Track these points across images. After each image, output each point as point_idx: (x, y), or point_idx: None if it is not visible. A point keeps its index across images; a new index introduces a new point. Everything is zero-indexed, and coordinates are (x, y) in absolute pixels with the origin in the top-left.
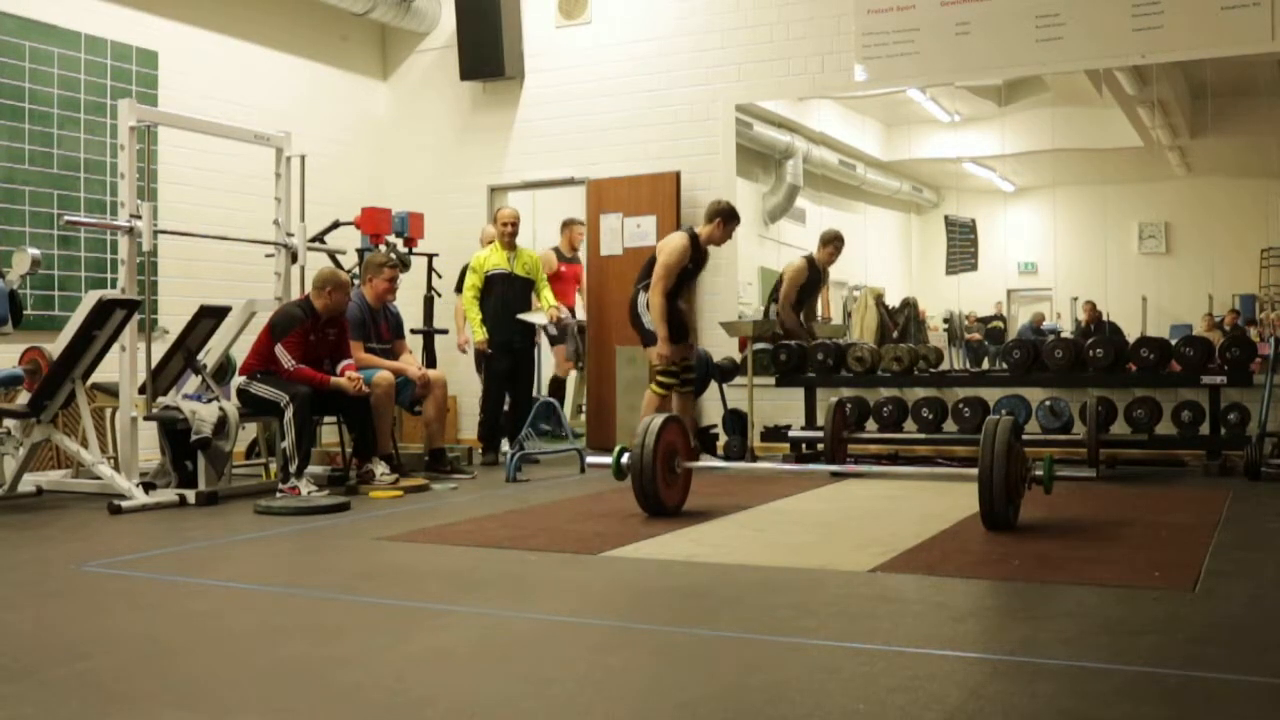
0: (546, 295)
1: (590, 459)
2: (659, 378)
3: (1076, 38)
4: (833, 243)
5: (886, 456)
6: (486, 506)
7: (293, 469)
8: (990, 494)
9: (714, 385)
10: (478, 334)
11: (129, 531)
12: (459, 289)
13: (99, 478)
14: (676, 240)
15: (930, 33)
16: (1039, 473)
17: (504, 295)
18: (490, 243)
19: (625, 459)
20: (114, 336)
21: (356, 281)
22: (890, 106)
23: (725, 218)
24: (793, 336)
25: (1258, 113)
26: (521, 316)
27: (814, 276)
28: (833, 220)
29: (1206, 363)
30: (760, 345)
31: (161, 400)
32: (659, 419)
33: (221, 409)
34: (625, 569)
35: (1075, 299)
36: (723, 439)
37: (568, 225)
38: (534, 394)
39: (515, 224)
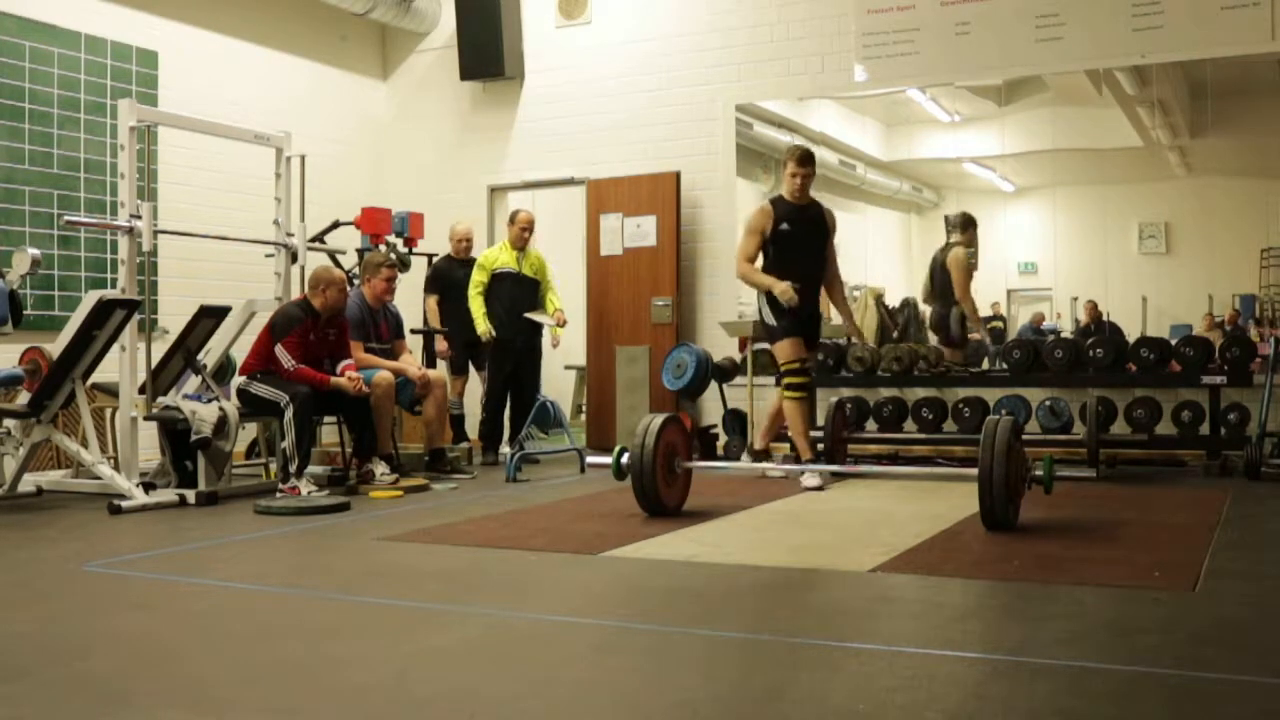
0: (553, 297)
1: (590, 459)
2: (785, 379)
3: (1076, 38)
4: (973, 225)
5: (886, 456)
6: (486, 506)
7: (293, 469)
8: (990, 494)
9: (714, 385)
10: (481, 325)
11: (129, 531)
12: (428, 289)
13: (99, 478)
14: (753, 210)
15: (930, 33)
16: (1039, 473)
17: (511, 294)
18: (460, 240)
19: (625, 459)
20: (114, 336)
21: (356, 281)
22: (890, 106)
23: (785, 163)
24: (972, 323)
25: (1258, 113)
26: (529, 315)
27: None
28: None
29: (1206, 363)
30: (760, 345)
31: (161, 400)
32: (659, 419)
33: (221, 409)
34: (625, 569)
35: (1075, 299)
36: (723, 439)
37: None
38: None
39: (531, 227)
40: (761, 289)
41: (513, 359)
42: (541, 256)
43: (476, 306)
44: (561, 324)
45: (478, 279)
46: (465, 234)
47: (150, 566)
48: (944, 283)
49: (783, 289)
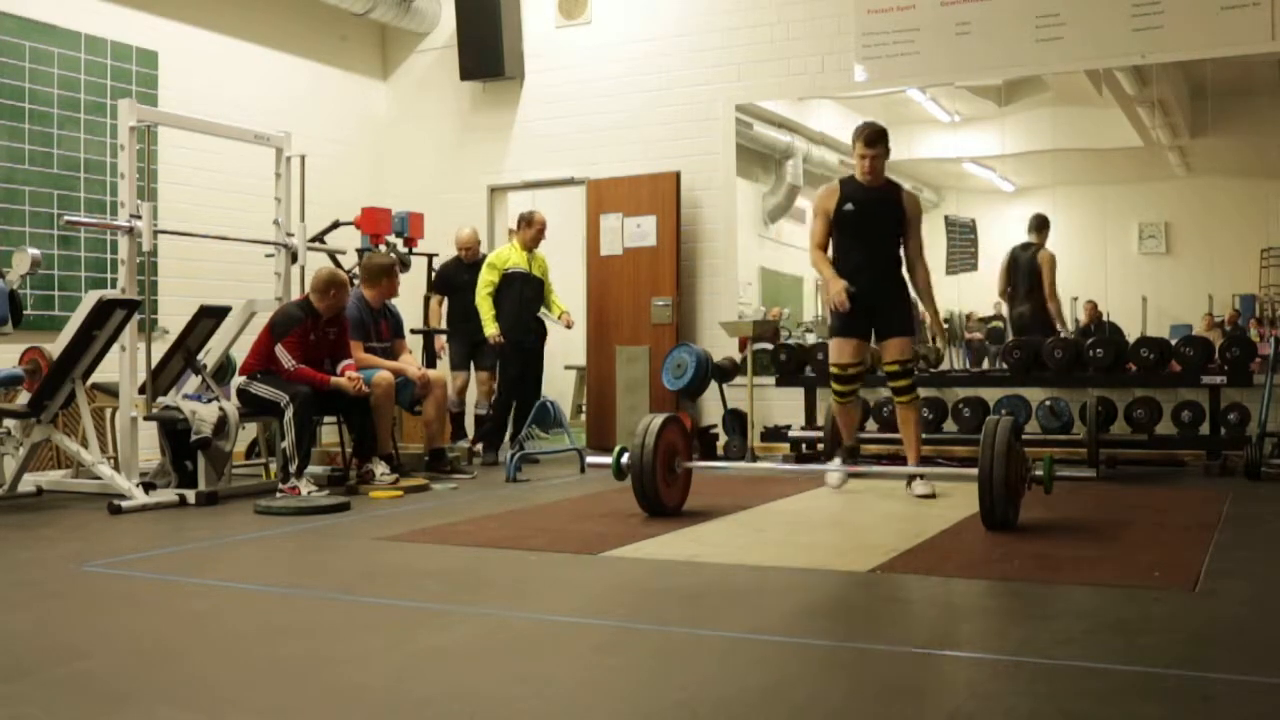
0: (555, 299)
1: (590, 459)
2: (830, 381)
3: (1076, 38)
4: (1048, 225)
5: (886, 457)
6: (486, 506)
7: (293, 469)
8: (990, 494)
9: (714, 385)
10: (491, 328)
11: (129, 531)
12: (434, 290)
13: (99, 478)
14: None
15: (930, 33)
16: (1039, 473)
17: (522, 294)
18: (467, 248)
19: (625, 459)
20: (114, 336)
21: (356, 281)
22: (890, 106)
23: (853, 143)
24: (1054, 327)
25: (1258, 113)
26: (542, 315)
27: None
28: None
29: (1206, 363)
30: (760, 345)
31: (161, 400)
32: (659, 419)
33: (221, 409)
34: (625, 569)
35: (1075, 299)
36: (723, 439)
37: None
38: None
39: (545, 228)
40: (822, 280)
41: (522, 359)
42: (545, 258)
43: (486, 308)
44: (569, 325)
45: (489, 279)
46: (470, 241)
47: (150, 566)
48: (1032, 282)
49: (835, 291)
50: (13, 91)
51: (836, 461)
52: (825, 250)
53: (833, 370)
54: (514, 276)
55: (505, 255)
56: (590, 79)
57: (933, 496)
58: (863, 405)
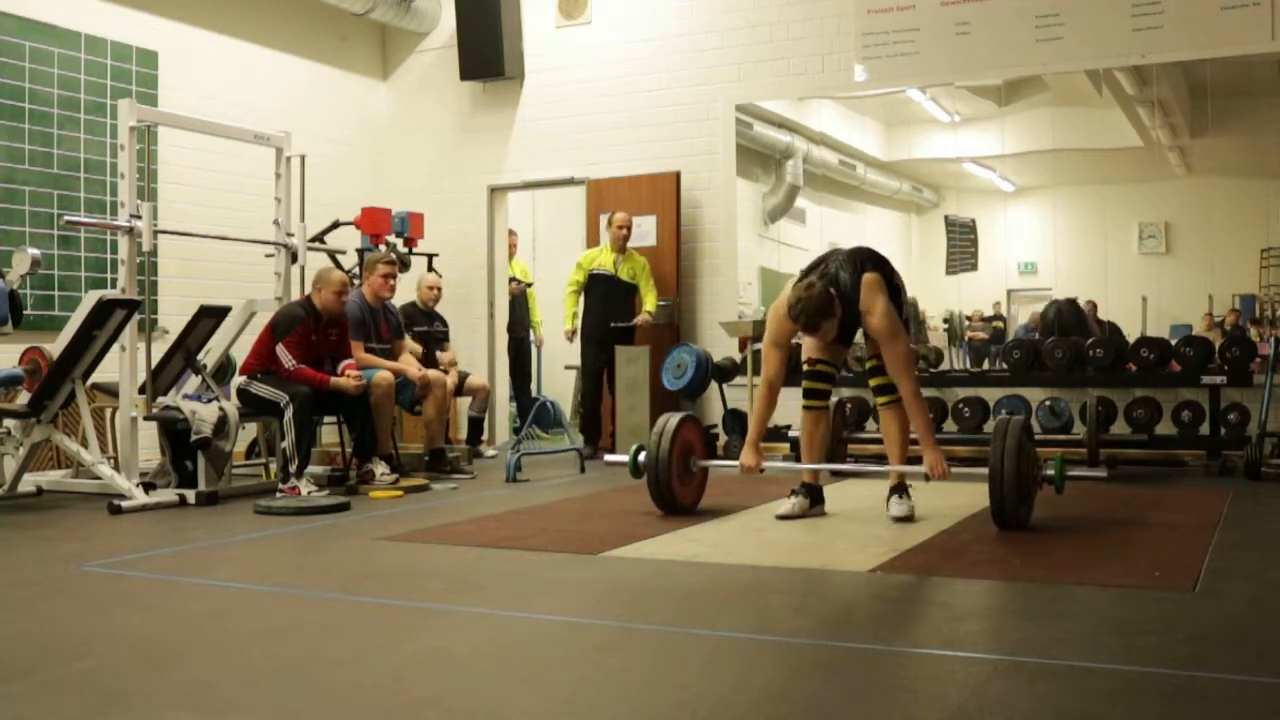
0: (650, 298)
1: (607, 456)
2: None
3: (1076, 38)
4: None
5: (886, 456)
6: (486, 506)
7: (293, 469)
8: (1000, 491)
9: (714, 385)
10: (568, 324)
11: (129, 531)
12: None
13: (99, 478)
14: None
15: (930, 33)
16: (1050, 472)
17: (605, 296)
18: (431, 288)
19: (642, 457)
20: (114, 336)
21: (358, 282)
22: (890, 106)
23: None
24: None
25: (1258, 113)
26: (616, 324)
27: None
28: (833, 220)
29: (1206, 363)
30: (760, 345)
31: (161, 400)
32: (675, 418)
33: (221, 409)
34: (626, 569)
35: (1075, 299)
36: (723, 439)
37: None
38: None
39: (629, 227)
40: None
41: (605, 355)
42: (644, 261)
43: (569, 305)
44: (643, 323)
45: (575, 278)
46: (435, 282)
47: (150, 566)
48: (1079, 320)
49: (743, 458)
50: (13, 91)
51: (792, 500)
52: (776, 389)
53: (803, 368)
54: (599, 278)
55: (593, 256)
56: (590, 79)
57: (910, 520)
58: (861, 405)
